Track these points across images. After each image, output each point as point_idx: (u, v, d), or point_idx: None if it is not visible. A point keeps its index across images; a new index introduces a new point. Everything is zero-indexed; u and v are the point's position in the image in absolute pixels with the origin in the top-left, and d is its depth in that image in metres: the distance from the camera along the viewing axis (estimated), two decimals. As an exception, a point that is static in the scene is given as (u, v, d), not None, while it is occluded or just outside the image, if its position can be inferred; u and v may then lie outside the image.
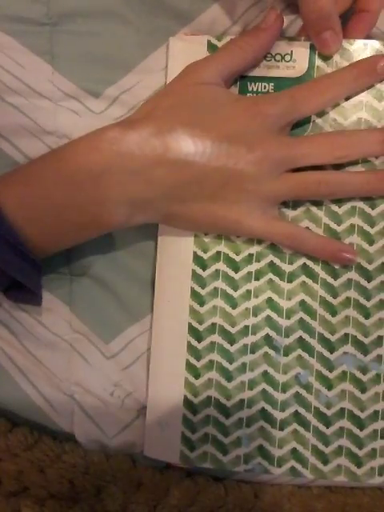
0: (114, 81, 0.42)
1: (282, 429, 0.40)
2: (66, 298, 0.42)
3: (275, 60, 0.41)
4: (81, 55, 0.41)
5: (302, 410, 0.40)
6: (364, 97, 0.40)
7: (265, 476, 0.41)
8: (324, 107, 0.40)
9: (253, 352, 0.40)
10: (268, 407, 0.40)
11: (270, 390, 0.40)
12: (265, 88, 0.41)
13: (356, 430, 0.40)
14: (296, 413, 0.40)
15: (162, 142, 0.36)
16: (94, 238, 0.41)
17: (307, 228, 0.40)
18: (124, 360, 0.42)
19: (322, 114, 0.40)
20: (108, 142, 0.36)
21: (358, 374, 0.40)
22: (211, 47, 0.41)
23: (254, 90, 0.41)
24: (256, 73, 0.41)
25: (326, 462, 0.40)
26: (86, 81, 0.41)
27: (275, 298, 0.40)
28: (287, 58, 0.41)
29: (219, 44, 0.41)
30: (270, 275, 0.40)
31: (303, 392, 0.40)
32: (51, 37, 0.41)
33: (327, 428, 0.40)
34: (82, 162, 0.36)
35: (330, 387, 0.40)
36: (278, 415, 0.40)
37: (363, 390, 0.40)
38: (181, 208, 0.38)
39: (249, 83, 0.41)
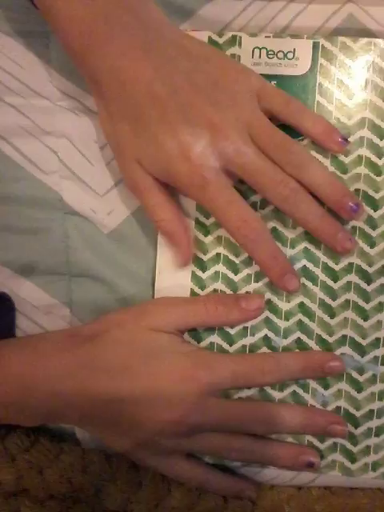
0: None
1: (279, 425, 0.41)
2: (66, 300, 0.42)
3: (277, 57, 0.40)
4: None
5: (298, 408, 0.41)
6: (369, 95, 0.39)
7: (264, 474, 0.42)
8: (263, 386, 0.40)
9: (251, 352, 0.41)
10: (266, 405, 0.41)
11: (267, 388, 0.41)
12: (267, 86, 0.40)
13: (351, 428, 0.41)
14: (293, 411, 0.41)
15: (88, 375, 0.37)
16: (92, 238, 0.42)
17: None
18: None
19: (325, 113, 0.40)
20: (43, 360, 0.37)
21: (355, 375, 0.40)
22: (212, 43, 0.40)
23: (256, 87, 0.40)
24: (258, 70, 0.39)
25: (321, 457, 0.41)
26: (84, 79, 0.40)
27: (274, 299, 0.41)
28: (290, 55, 0.40)
29: (220, 40, 0.40)
30: (270, 277, 0.40)
31: (300, 391, 0.41)
32: (50, 36, 0.40)
33: (323, 425, 0.41)
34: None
35: (326, 386, 0.41)
36: (276, 412, 0.41)
37: (359, 390, 0.40)
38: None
39: (250, 81, 0.40)
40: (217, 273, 0.41)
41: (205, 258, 0.41)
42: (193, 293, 0.41)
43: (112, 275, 0.42)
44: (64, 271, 0.42)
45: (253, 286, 0.41)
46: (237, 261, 0.41)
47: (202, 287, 0.41)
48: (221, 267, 0.41)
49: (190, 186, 0.36)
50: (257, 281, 0.41)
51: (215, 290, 0.41)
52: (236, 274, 0.41)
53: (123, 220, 0.42)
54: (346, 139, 0.38)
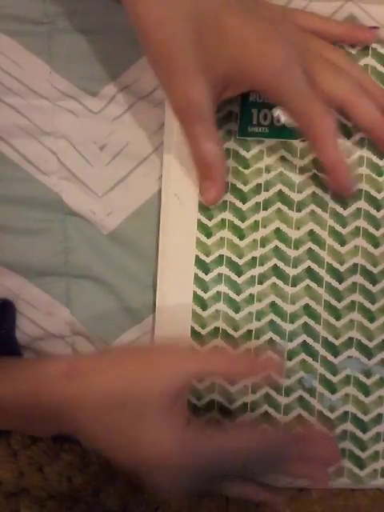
0: (111, 78, 0.41)
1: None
2: (66, 300, 0.41)
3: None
4: (78, 54, 0.41)
5: (305, 414, 0.40)
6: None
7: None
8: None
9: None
10: (271, 411, 0.40)
11: (273, 393, 0.40)
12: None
13: (359, 433, 0.40)
14: (299, 416, 0.40)
15: (78, 412, 0.34)
16: (91, 239, 0.41)
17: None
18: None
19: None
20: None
21: (362, 378, 0.40)
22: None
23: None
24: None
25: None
26: (83, 79, 0.41)
27: (279, 302, 0.40)
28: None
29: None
30: (274, 279, 0.40)
31: (306, 396, 0.40)
32: (49, 36, 0.40)
33: (330, 431, 0.40)
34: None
35: (333, 391, 0.40)
36: (282, 419, 0.40)
37: (367, 394, 0.40)
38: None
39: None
40: (220, 275, 0.40)
41: (207, 260, 0.40)
42: (195, 296, 0.40)
43: (112, 276, 0.41)
44: (64, 272, 0.41)
45: (256, 288, 0.40)
46: (240, 263, 0.40)
47: (205, 289, 0.40)
48: (224, 269, 0.40)
49: (272, 67, 0.34)
50: (260, 283, 0.40)
51: (218, 293, 0.40)
52: (239, 276, 0.40)
53: (123, 221, 0.41)
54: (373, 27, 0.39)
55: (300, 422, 0.40)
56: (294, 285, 0.40)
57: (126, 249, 0.41)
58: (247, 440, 0.35)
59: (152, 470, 0.34)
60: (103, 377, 0.35)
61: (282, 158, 0.40)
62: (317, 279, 0.40)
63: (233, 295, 0.40)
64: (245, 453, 0.35)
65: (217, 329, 0.40)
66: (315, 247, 0.40)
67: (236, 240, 0.40)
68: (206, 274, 0.40)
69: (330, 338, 0.40)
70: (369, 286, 0.40)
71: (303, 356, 0.40)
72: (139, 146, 0.41)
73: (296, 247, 0.40)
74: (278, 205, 0.40)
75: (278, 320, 0.40)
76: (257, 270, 0.40)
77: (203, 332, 0.40)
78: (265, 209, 0.40)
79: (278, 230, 0.40)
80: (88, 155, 0.41)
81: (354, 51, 0.40)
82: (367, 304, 0.40)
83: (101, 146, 0.41)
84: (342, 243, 0.40)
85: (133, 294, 0.41)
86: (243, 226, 0.40)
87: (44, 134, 0.41)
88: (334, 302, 0.40)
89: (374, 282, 0.40)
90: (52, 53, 0.41)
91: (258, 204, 0.40)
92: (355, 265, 0.40)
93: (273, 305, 0.40)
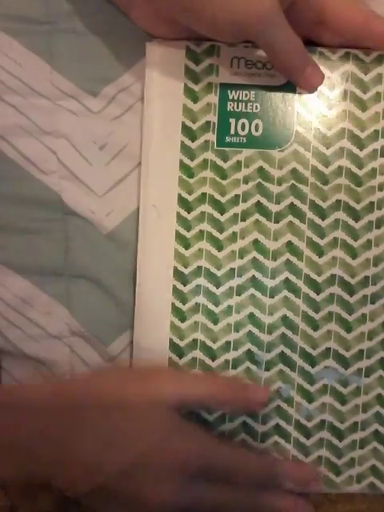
0: (112, 79, 0.41)
1: (263, 441, 0.40)
2: (64, 301, 0.41)
3: (256, 68, 0.39)
4: (79, 54, 0.41)
5: (282, 423, 0.40)
6: (348, 106, 0.39)
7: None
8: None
9: (234, 367, 0.40)
10: (249, 421, 0.40)
11: (251, 403, 0.40)
12: (246, 96, 0.39)
13: (335, 441, 0.40)
14: (277, 425, 0.40)
15: (74, 440, 0.34)
16: (91, 239, 0.41)
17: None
18: (123, 363, 0.42)
19: (305, 123, 0.39)
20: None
21: (339, 387, 0.40)
22: (190, 53, 0.39)
23: (235, 97, 0.39)
24: (237, 80, 0.39)
25: (306, 471, 0.40)
26: (84, 79, 0.41)
27: (257, 313, 0.40)
28: (269, 65, 0.39)
29: (198, 50, 0.39)
30: (252, 290, 0.40)
31: (284, 405, 0.40)
32: (50, 36, 0.40)
33: (307, 439, 0.40)
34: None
35: (310, 400, 0.40)
36: (260, 428, 0.40)
37: (343, 403, 0.40)
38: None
39: (229, 91, 0.39)
40: (198, 286, 0.40)
41: (186, 271, 0.40)
42: (174, 307, 0.40)
43: (110, 276, 0.41)
44: (63, 272, 0.41)
45: (235, 300, 0.40)
46: (218, 274, 0.40)
47: (184, 301, 0.40)
48: (202, 281, 0.40)
49: None
50: (239, 294, 0.40)
51: (197, 304, 0.40)
52: (218, 288, 0.40)
53: (122, 221, 0.41)
54: None
55: (277, 431, 0.40)
56: (271, 296, 0.40)
57: (124, 249, 0.41)
58: None
59: (152, 498, 0.35)
60: (98, 402, 0.35)
61: (260, 169, 0.40)
62: (294, 290, 0.40)
63: (211, 307, 0.40)
64: None
65: (195, 340, 0.40)
66: (293, 258, 0.40)
67: (214, 251, 0.40)
68: (185, 286, 0.40)
69: (308, 349, 0.40)
70: (346, 296, 0.40)
71: (281, 366, 0.40)
72: (139, 147, 0.41)
73: (274, 258, 0.40)
74: (256, 216, 0.40)
75: (256, 331, 0.40)
76: (235, 282, 0.40)
77: (182, 344, 0.40)
78: (243, 220, 0.40)
79: (255, 242, 0.40)
80: (88, 155, 0.41)
81: (334, 57, 0.39)
82: (344, 315, 0.40)
83: (101, 145, 0.41)
84: (320, 254, 0.40)
85: (132, 294, 0.41)
86: (221, 237, 0.40)
87: (44, 134, 0.41)
88: (311, 313, 0.40)
89: (352, 293, 0.40)
90: (53, 52, 0.40)
91: (235, 215, 0.40)
92: (333, 276, 0.40)
93: (251, 316, 0.40)
